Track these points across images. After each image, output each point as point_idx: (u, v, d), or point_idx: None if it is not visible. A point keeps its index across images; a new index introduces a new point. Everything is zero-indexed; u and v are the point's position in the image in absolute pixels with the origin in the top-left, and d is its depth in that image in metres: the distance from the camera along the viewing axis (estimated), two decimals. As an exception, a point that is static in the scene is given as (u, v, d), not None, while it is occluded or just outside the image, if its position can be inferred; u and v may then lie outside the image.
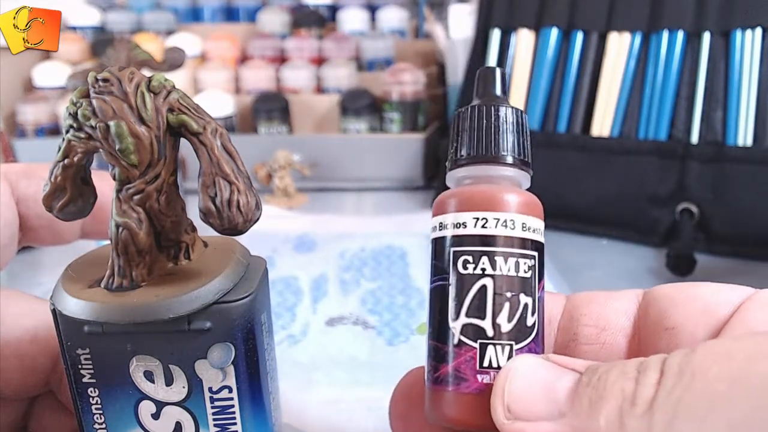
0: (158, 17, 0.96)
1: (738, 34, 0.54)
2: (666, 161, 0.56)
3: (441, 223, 0.18)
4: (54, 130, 0.81)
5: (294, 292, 0.46)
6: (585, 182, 0.59)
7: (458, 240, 0.18)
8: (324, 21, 0.98)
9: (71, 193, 0.18)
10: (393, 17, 0.99)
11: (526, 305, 0.17)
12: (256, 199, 0.17)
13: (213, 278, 0.18)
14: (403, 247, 0.54)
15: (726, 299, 0.17)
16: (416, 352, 0.37)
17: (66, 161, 0.18)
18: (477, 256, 0.17)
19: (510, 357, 0.17)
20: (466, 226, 0.18)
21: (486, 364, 0.17)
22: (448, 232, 0.18)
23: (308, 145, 0.76)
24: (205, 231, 0.19)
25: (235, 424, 0.19)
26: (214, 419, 0.19)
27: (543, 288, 0.18)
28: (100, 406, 0.18)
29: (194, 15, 1.03)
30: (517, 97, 0.63)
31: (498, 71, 0.19)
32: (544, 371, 0.16)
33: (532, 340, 0.18)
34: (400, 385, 0.21)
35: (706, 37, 0.56)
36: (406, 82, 0.79)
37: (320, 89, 0.88)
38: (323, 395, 0.34)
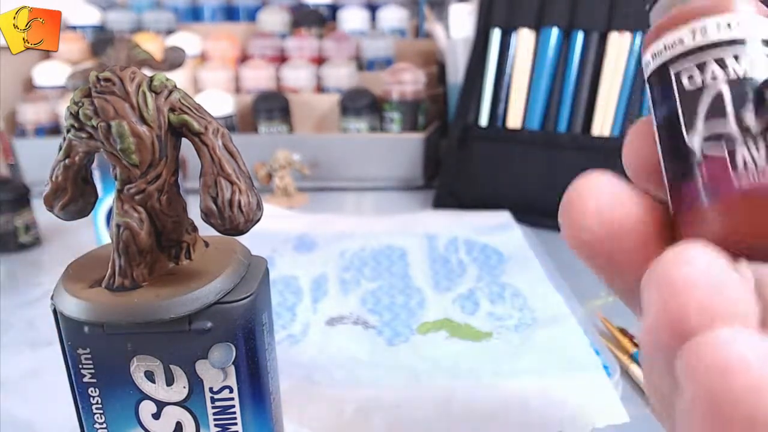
0: (158, 17, 0.96)
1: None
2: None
3: (653, 53, 0.17)
4: (54, 130, 0.81)
5: (294, 292, 0.46)
6: (585, 182, 0.59)
7: (677, 59, 0.16)
8: (324, 20, 0.98)
9: (72, 193, 0.18)
10: (393, 17, 0.99)
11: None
12: (257, 199, 0.17)
13: (214, 278, 0.18)
14: (403, 247, 0.54)
15: None
16: (416, 352, 0.37)
17: (67, 161, 0.18)
18: (702, 67, 0.16)
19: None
20: (683, 42, 0.16)
21: (740, 165, 0.15)
22: (666, 56, 0.17)
23: (308, 144, 0.76)
24: (206, 231, 0.19)
25: (235, 424, 0.19)
26: (215, 419, 0.19)
27: None
28: (100, 406, 0.18)
29: (194, 14, 1.03)
30: (518, 97, 0.63)
31: None
32: None
33: None
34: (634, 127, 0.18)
35: (707, 37, 0.56)
36: (406, 81, 0.79)
37: (320, 89, 0.88)
38: (323, 395, 0.34)
